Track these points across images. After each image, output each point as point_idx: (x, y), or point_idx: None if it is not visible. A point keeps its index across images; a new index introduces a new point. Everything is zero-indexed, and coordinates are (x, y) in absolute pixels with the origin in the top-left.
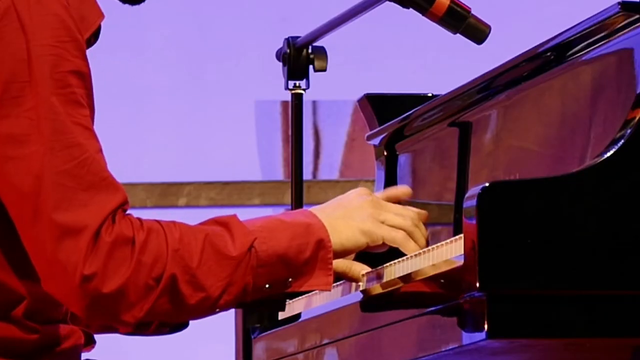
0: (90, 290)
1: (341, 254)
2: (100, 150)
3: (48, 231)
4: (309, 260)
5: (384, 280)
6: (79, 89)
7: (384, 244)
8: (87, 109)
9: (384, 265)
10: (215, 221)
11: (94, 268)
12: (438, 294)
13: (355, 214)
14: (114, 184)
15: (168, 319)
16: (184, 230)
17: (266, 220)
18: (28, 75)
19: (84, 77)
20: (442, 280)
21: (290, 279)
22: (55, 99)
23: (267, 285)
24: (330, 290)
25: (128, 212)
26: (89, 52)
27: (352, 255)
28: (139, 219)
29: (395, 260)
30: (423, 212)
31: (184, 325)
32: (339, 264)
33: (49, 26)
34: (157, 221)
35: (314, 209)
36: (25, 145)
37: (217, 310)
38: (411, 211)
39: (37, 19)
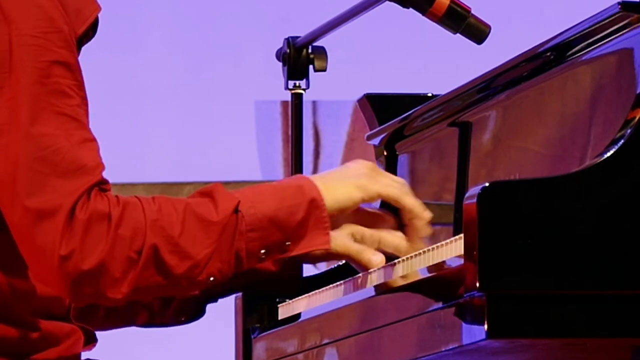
0: (70, 269)
1: (337, 211)
2: (88, 139)
3: (23, 218)
4: (303, 221)
5: (384, 280)
6: (64, 79)
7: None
8: (74, 99)
9: (384, 265)
10: (199, 192)
11: (71, 247)
12: (438, 294)
13: (350, 173)
14: (90, 171)
15: (159, 292)
16: (163, 203)
17: (255, 187)
18: (9, 66)
19: (70, 68)
20: (442, 280)
21: (287, 242)
22: (37, 88)
23: (262, 251)
24: (329, 248)
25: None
26: (88, 45)
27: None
28: (116, 196)
29: (395, 260)
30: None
31: (201, 313)
32: (349, 247)
33: (32, 17)
34: (136, 196)
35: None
36: (4, 135)
37: (212, 279)
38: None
39: (20, 11)
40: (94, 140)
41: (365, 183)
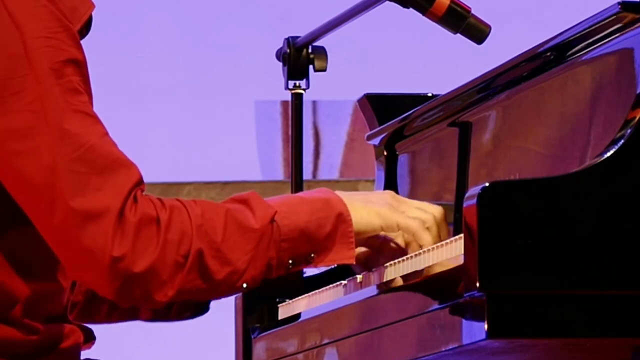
0: (121, 271)
1: (355, 234)
2: (106, 133)
3: (69, 220)
4: (330, 234)
5: (384, 280)
6: (75, 77)
7: (393, 247)
8: (85, 95)
9: (385, 265)
10: (234, 199)
11: (123, 249)
12: (438, 294)
13: (374, 199)
14: (126, 163)
15: (198, 296)
16: (205, 207)
17: (284, 197)
18: (27, 69)
19: (80, 65)
20: (442, 280)
21: (312, 254)
22: (56, 89)
23: (290, 261)
24: (353, 263)
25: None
26: (88, 45)
27: None
28: (159, 198)
29: (396, 260)
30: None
31: (205, 309)
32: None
33: (40, 18)
34: (177, 199)
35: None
36: (31, 138)
37: (245, 286)
38: (434, 207)
39: (27, 13)
40: (108, 132)
41: (386, 212)
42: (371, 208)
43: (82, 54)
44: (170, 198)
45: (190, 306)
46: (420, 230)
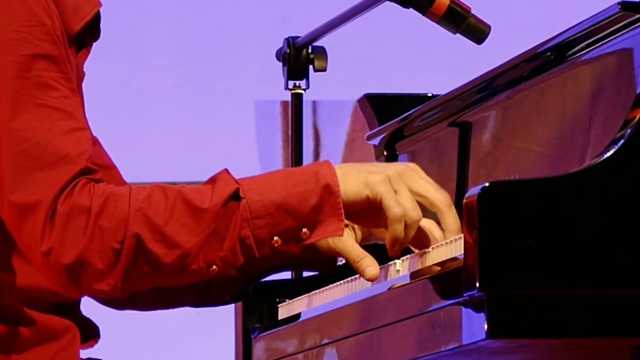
0: (52, 264)
1: (346, 204)
2: (76, 128)
3: (10, 213)
4: (317, 207)
5: (384, 280)
6: (47, 72)
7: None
8: (60, 91)
9: (384, 264)
10: (209, 178)
11: (50, 242)
12: (438, 294)
13: (374, 169)
14: (74, 158)
15: (158, 282)
16: (155, 191)
17: (269, 172)
18: None
19: (54, 60)
20: (442, 280)
21: (303, 229)
22: (17, 82)
23: (275, 238)
24: (341, 236)
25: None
26: (94, 47)
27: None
28: (105, 186)
29: (395, 260)
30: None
31: (244, 293)
32: (352, 248)
33: (11, 12)
34: (130, 186)
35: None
36: None
37: (215, 268)
38: (436, 199)
39: (0, 7)
40: (83, 128)
41: (375, 183)
42: (362, 177)
43: (57, 50)
44: (128, 186)
45: (228, 290)
46: (394, 221)
